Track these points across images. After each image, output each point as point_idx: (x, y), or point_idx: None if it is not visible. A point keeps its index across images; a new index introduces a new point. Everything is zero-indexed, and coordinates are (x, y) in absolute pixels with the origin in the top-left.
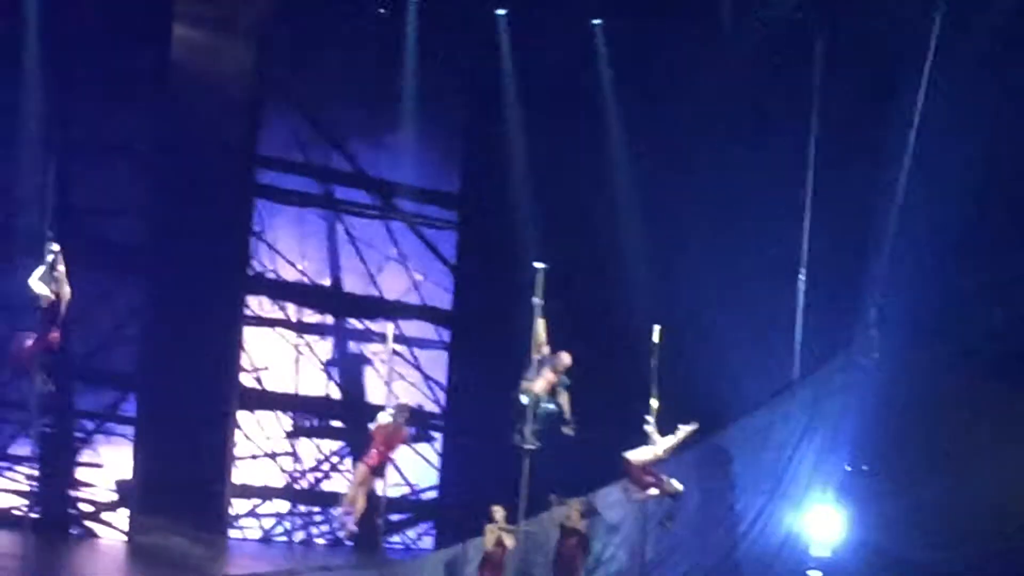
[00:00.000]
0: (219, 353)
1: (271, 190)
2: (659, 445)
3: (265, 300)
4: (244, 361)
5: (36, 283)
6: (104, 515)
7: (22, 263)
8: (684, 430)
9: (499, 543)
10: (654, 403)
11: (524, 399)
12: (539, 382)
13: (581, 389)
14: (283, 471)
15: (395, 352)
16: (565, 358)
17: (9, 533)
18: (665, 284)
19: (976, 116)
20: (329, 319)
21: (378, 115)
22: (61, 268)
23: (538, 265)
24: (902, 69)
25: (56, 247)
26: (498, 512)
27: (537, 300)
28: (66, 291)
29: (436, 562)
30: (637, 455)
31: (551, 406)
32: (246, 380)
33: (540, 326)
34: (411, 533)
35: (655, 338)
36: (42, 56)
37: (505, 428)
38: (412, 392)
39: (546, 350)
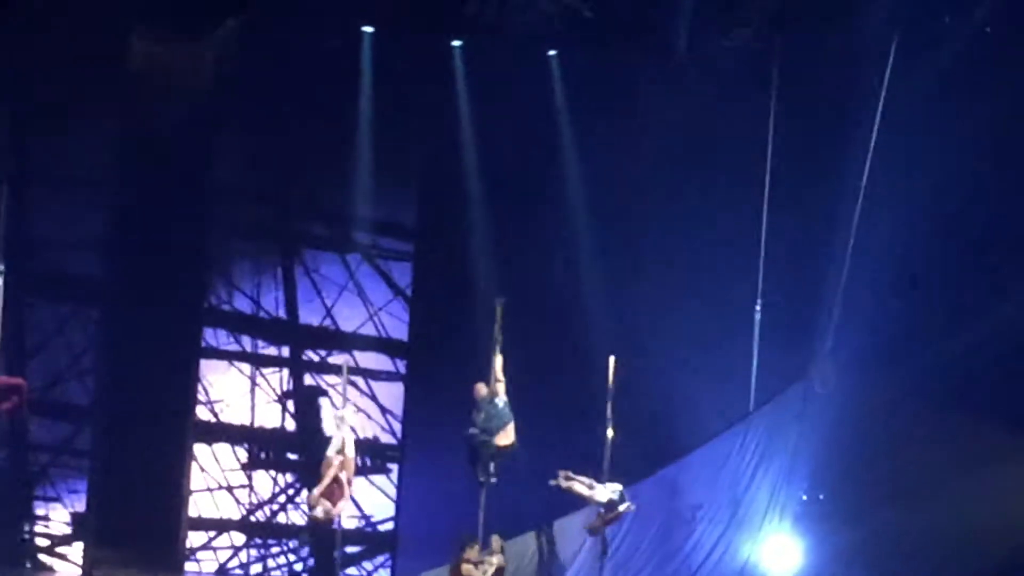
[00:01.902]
0: (175, 385)
1: (228, 221)
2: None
3: (221, 332)
4: (200, 393)
5: None
6: (59, 548)
7: None
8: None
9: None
10: (610, 432)
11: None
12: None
13: (538, 420)
14: (239, 503)
15: (351, 383)
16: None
17: None
18: (621, 315)
19: (930, 147)
20: (285, 351)
21: (334, 146)
22: None
23: (498, 300)
24: (858, 98)
25: None
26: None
27: (497, 335)
28: None
29: None
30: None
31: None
32: (202, 412)
33: (497, 363)
34: (367, 565)
35: (611, 369)
36: None
37: (461, 459)
38: (368, 423)
39: (500, 387)
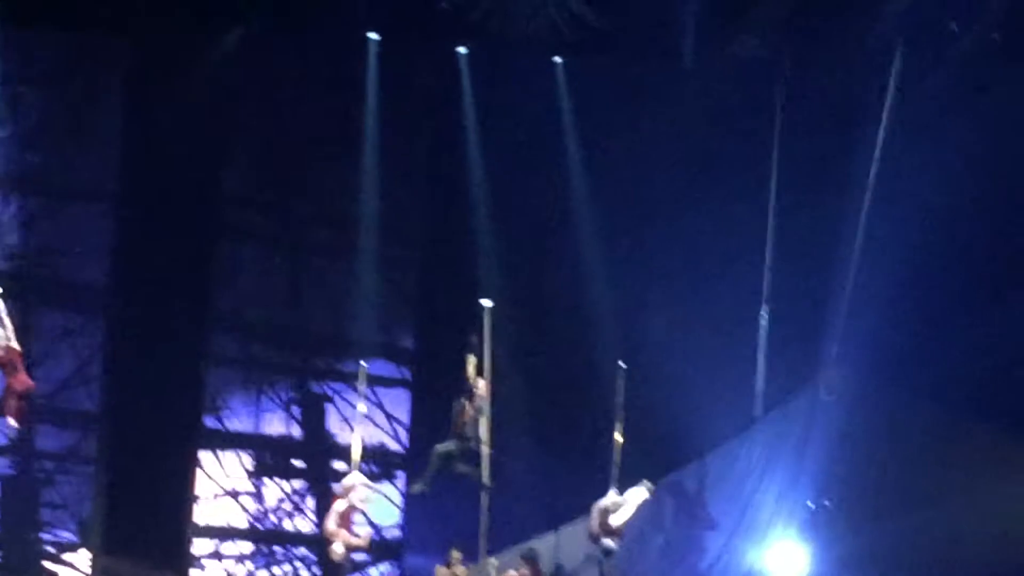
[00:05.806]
0: (181, 392)
1: (235, 229)
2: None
3: (227, 339)
4: (206, 400)
5: None
6: (65, 556)
7: None
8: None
9: None
10: (618, 438)
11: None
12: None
13: (546, 429)
14: (245, 511)
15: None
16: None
17: None
18: (629, 323)
19: (937, 154)
20: (291, 358)
21: (340, 153)
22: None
23: (485, 302)
24: (864, 106)
25: None
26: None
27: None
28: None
29: None
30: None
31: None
32: (208, 419)
33: (470, 364)
34: (373, 572)
35: (619, 375)
36: (3, 96)
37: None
38: (374, 431)
39: (482, 386)
